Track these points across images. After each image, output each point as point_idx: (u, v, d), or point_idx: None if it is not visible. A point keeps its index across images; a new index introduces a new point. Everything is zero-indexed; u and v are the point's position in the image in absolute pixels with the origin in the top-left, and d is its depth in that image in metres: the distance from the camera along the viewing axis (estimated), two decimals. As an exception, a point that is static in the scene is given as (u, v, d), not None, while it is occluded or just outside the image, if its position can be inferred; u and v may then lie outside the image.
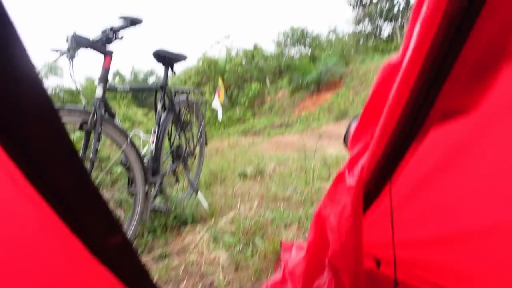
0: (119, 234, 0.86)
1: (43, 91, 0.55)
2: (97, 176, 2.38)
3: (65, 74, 17.47)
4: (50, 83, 17.38)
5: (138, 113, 16.39)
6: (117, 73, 28.69)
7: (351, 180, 0.83)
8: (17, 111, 0.56)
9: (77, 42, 1.98)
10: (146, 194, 2.24)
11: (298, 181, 3.18)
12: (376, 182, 0.85)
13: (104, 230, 0.81)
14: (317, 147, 4.41)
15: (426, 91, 0.58)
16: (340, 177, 0.89)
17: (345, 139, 0.97)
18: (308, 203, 2.57)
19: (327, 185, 2.94)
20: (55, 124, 0.60)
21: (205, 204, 2.71)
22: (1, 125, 0.56)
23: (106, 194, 3.01)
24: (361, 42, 26.13)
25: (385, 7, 23.68)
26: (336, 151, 5.30)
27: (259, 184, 3.39)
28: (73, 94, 17.11)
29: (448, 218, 0.99)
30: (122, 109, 15.38)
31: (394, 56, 0.66)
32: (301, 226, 2.22)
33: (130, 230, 2.19)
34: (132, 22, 2.06)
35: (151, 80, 29.19)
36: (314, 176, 3.05)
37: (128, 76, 29.92)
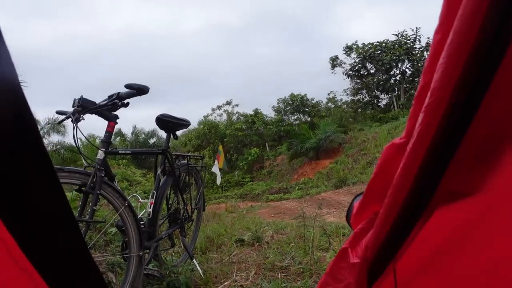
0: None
1: (45, 156, 0.56)
2: (91, 237, 2.34)
3: (67, 132, 17.70)
4: (51, 140, 17.55)
5: (136, 173, 16.38)
6: (119, 133, 29.02)
7: (355, 258, 0.82)
8: (19, 181, 0.56)
9: (84, 106, 2.03)
10: (140, 259, 2.18)
11: (296, 250, 3.11)
12: (380, 260, 0.83)
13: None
14: (316, 214, 4.36)
15: (431, 173, 0.59)
16: (343, 254, 0.88)
17: (347, 216, 0.96)
18: (307, 274, 2.49)
19: (327, 256, 2.86)
20: (54, 189, 0.60)
21: (200, 271, 2.63)
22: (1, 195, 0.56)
23: (98, 256, 2.93)
24: (359, 111, 26.77)
25: (382, 78, 24.53)
26: (336, 220, 5.24)
27: (257, 251, 3.31)
28: (74, 152, 17.20)
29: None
30: (121, 169, 15.39)
31: (397, 137, 0.68)
32: (299, 300, 2.13)
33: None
34: (139, 90, 2.11)
35: (152, 141, 29.46)
36: (314, 245, 2.98)
37: (129, 136, 30.24)
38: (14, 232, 0.60)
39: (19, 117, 0.52)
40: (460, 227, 0.78)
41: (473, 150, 0.59)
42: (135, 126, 30.43)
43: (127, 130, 30.67)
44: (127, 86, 2.09)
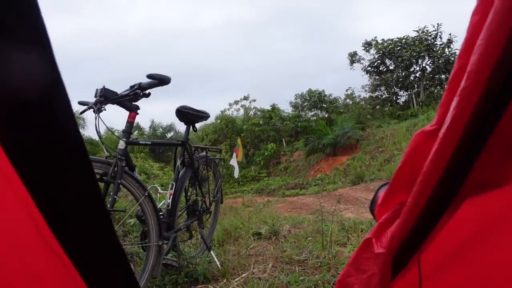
0: (136, 289, 0.83)
1: (80, 142, 0.56)
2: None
3: (87, 125, 17.96)
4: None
5: (154, 166, 16.55)
6: (137, 127, 29.34)
7: (379, 248, 0.81)
8: (52, 161, 0.57)
9: (106, 97, 2.05)
10: (159, 249, 2.21)
11: (314, 244, 3.10)
12: (404, 251, 0.82)
13: (121, 285, 0.79)
14: (334, 210, 4.34)
15: (462, 161, 0.57)
16: (367, 244, 0.87)
17: (371, 206, 0.95)
18: (325, 268, 2.48)
19: (345, 250, 2.85)
20: (89, 176, 0.61)
21: (217, 262, 2.64)
22: (34, 174, 0.57)
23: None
24: (377, 107, 26.45)
25: (401, 74, 24.14)
26: (353, 216, 5.20)
27: (274, 245, 3.31)
28: (93, 144, 17.45)
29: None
30: (139, 162, 15.56)
31: (423, 120, 0.66)
32: (317, 292, 2.13)
33: (139, 285, 2.14)
34: (161, 81, 2.12)
35: (170, 135, 29.71)
36: (332, 240, 2.97)
37: (147, 130, 30.57)
38: (44, 212, 0.61)
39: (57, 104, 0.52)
40: (488, 220, 0.77)
41: (505, 140, 0.58)
42: (153, 120, 30.74)
43: (145, 124, 31.02)
44: (149, 76, 2.10)
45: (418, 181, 0.63)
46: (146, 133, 30.07)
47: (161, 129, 30.57)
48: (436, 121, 0.62)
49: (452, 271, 0.94)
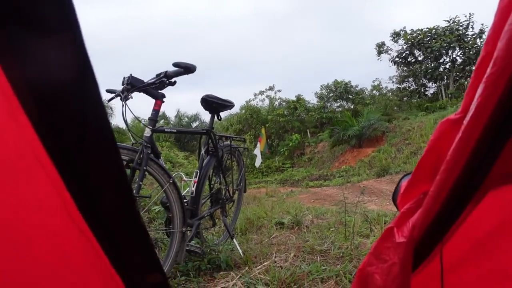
0: (159, 273, 0.86)
1: (108, 128, 0.58)
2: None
3: (114, 114, 18.27)
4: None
5: (179, 155, 16.74)
6: (163, 116, 29.73)
7: (400, 238, 0.80)
8: (81, 144, 0.59)
9: (132, 84, 2.09)
10: (183, 236, 2.25)
11: (336, 235, 3.09)
12: (426, 241, 0.81)
13: (145, 267, 0.82)
14: (358, 202, 4.30)
15: (487, 151, 0.56)
16: (388, 233, 0.86)
17: (394, 196, 0.95)
18: (347, 258, 2.48)
19: (368, 242, 2.83)
20: (115, 160, 0.63)
21: (240, 250, 2.67)
22: (64, 156, 0.59)
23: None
24: (404, 99, 25.93)
25: (430, 65, 23.52)
26: (377, 208, 5.15)
27: (296, 234, 3.32)
28: (120, 133, 17.76)
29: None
30: (164, 151, 15.78)
31: (452, 113, 0.65)
32: (339, 282, 2.13)
33: (163, 269, 2.18)
34: (187, 69, 2.14)
35: (195, 124, 29.98)
36: (354, 231, 2.95)
37: (173, 119, 30.93)
38: (74, 194, 0.63)
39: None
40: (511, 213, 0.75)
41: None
42: (178, 110, 31.08)
43: (171, 114, 31.39)
44: (174, 64, 2.13)
45: (441, 170, 0.62)
46: (172, 122, 30.44)
47: (186, 119, 30.89)
48: (461, 109, 0.61)
49: (474, 264, 0.92)
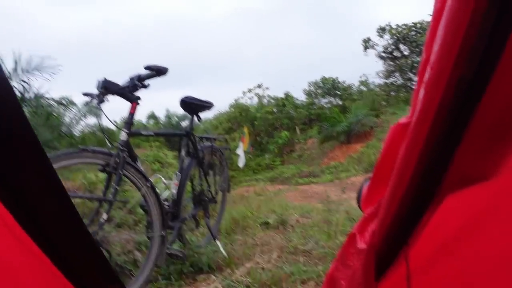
0: (117, 284, 0.83)
1: (35, 140, 0.55)
2: (119, 216, 2.39)
3: (103, 115, 18.08)
4: (88, 122, 18.06)
5: (168, 155, 16.63)
6: (152, 116, 29.58)
7: (362, 244, 0.78)
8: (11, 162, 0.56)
9: (106, 88, 2.06)
10: (163, 239, 2.22)
11: (320, 234, 3.09)
12: (390, 246, 0.80)
13: (102, 280, 0.79)
14: (343, 199, 4.31)
15: (437, 155, 0.55)
16: (352, 239, 0.85)
17: (358, 200, 0.93)
18: (329, 258, 2.47)
19: (350, 240, 2.83)
20: (49, 173, 0.60)
21: (223, 252, 2.65)
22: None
23: (127, 234, 3.00)
24: (392, 94, 26.05)
25: (416, 60, 23.64)
26: (362, 204, 5.15)
27: (281, 234, 3.31)
28: (110, 133, 17.60)
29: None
30: (153, 151, 15.67)
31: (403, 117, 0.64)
32: (319, 283, 2.12)
33: (143, 274, 2.15)
34: (158, 71, 2.13)
35: (185, 124, 29.85)
36: (338, 229, 2.95)
37: (163, 119, 30.78)
38: (14, 213, 0.60)
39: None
40: (474, 214, 0.74)
41: (486, 131, 0.54)
42: (168, 109, 30.91)
43: (161, 113, 31.20)
44: (146, 67, 2.12)
45: (392, 177, 0.61)
46: (161, 122, 30.28)
47: (176, 118, 30.74)
48: (410, 114, 0.59)
49: (441, 266, 0.91)
